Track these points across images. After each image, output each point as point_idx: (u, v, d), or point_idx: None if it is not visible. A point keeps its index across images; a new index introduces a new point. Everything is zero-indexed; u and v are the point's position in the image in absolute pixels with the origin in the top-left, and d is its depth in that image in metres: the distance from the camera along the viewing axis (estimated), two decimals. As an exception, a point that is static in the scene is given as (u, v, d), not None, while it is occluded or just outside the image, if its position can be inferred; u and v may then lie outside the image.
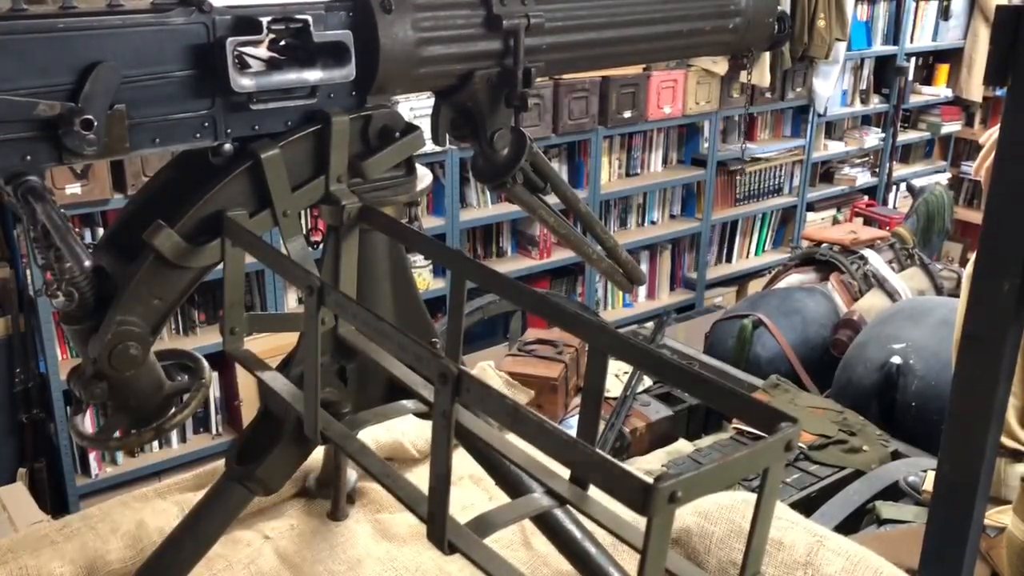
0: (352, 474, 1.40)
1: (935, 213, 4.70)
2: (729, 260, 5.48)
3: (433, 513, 0.69)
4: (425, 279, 3.94)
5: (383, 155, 0.99)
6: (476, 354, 3.78)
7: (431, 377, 0.66)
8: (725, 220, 5.31)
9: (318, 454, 1.35)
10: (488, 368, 1.78)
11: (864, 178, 5.93)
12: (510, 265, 4.33)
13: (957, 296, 3.13)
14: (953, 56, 6.06)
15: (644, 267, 4.94)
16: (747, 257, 5.57)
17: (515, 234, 4.47)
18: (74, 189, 3.03)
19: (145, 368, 0.97)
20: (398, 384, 0.92)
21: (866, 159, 6.00)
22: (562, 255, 4.40)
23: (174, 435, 3.56)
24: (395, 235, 1.01)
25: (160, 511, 1.31)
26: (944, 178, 6.16)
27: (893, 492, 2.42)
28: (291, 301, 3.70)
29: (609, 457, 0.54)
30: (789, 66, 5.03)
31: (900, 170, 6.11)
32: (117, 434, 1.03)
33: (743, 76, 4.79)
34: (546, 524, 1.11)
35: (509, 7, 1.01)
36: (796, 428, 0.55)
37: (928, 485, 2.22)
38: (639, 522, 0.56)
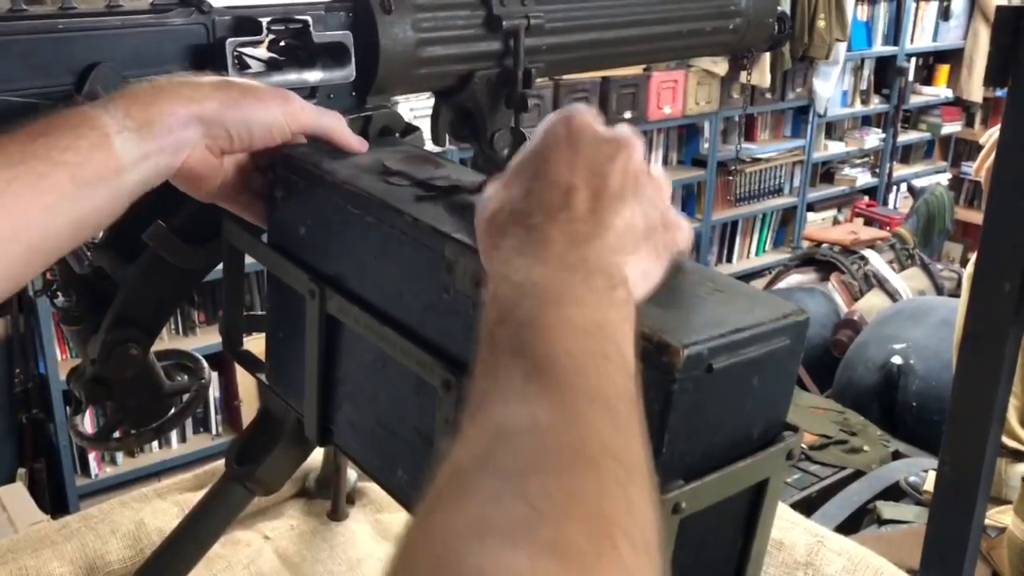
0: (352, 474, 1.40)
1: (935, 213, 4.70)
2: (729, 260, 5.48)
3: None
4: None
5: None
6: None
7: (435, 384, 0.66)
8: (725, 220, 5.31)
9: (317, 454, 1.35)
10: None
11: (864, 178, 5.93)
12: (510, 265, 4.32)
13: (958, 296, 3.13)
14: (953, 56, 6.06)
15: (644, 267, 4.93)
16: (748, 257, 5.57)
17: (515, 234, 4.47)
18: (74, 189, 3.02)
19: (145, 368, 0.97)
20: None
21: (866, 159, 6.00)
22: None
23: (174, 435, 3.57)
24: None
25: (160, 511, 1.31)
26: (944, 178, 6.16)
27: (894, 492, 2.43)
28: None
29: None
30: (789, 66, 5.03)
31: (900, 170, 6.11)
32: (117, 434, 1.03)
33: (743, 77, 4.79)
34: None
35: (509, 8, 1.01)
36: (797, 437, 0.56)
37: (929, 485, 2.22)
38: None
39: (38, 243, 0.64)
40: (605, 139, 0.56)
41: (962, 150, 6.41)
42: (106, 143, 0.66)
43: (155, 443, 3.47)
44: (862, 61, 5.68)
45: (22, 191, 0.62)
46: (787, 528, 1.24)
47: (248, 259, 0.92)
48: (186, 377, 1.07)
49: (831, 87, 5.32)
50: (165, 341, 3.27)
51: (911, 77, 5.90)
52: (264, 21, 0.88)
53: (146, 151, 0.68)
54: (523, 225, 0.53)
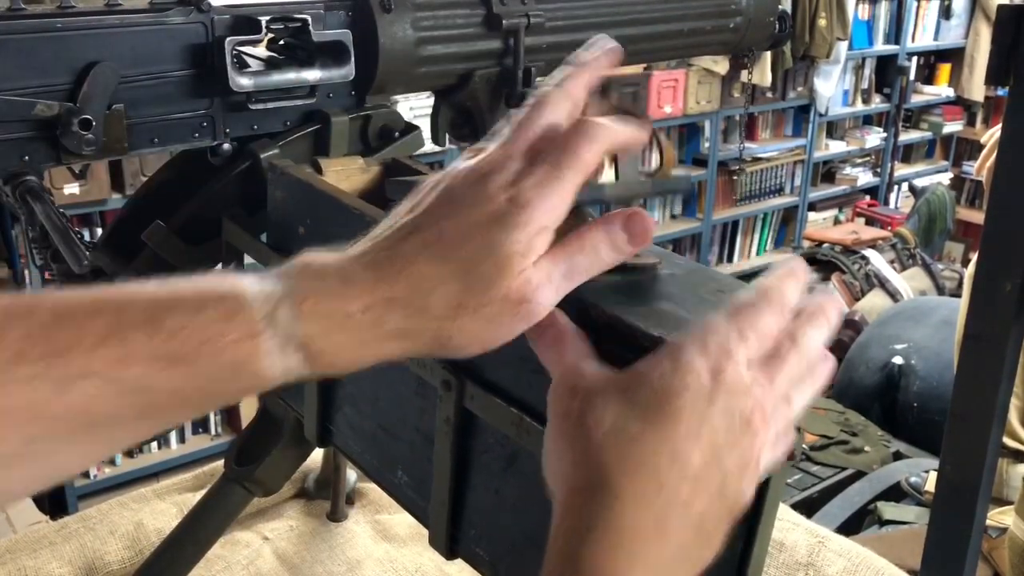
0: (351, 475, 1.40)
1: (937, 213, 4.70)
2: (730, 260, 5.48)
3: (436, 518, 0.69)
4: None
5: (382, 155, 0.99)
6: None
7: (435, 384, 0.65)
8: (726, 220, 5.31)
9: (317, 455, 1.35)
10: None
11: (866, 178, 5.93)
12: (511, 265, 4.32)
13: (959, 296, 3.13)
14: (955, 55, 6.06)
15: (645, 267, 4.93)
16: (748, 257, 5.56)
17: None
18: (72, 189, 3.03)
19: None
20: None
21: (867, 159, 5.99)
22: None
23: (173, 436, 3.56)
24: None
25: (159, 512, 1.30)
26: (946, 178, 6.16)
27: (895, 493, 2.42)
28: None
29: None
30: (790, 65, 5.03)
31: (902, 170, 6.11)
32: (116, 435, 1.02)
33: (744, 76, 4.78)
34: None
35: (509, 6, 1.01)
36: (798, 439, 0.56)
37: (930, 486, 2.22)
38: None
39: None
40: (745, 390, 0.47)
41: (963, 149, 6.41)
42: (259, 382, 0.48)
43: (154, 443, 3.47)
44: (863, 60, 5.67)
45: None
46: (788, 529, 1.24)
47: (247, 259, 0.91)
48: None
49: (832, 86, 5.31)
50: (165, 341, 3.26)
51: (912, 76, 5.90)
52: (263, 20, 0.87)
53: (301, 374, 0.49)
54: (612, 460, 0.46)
